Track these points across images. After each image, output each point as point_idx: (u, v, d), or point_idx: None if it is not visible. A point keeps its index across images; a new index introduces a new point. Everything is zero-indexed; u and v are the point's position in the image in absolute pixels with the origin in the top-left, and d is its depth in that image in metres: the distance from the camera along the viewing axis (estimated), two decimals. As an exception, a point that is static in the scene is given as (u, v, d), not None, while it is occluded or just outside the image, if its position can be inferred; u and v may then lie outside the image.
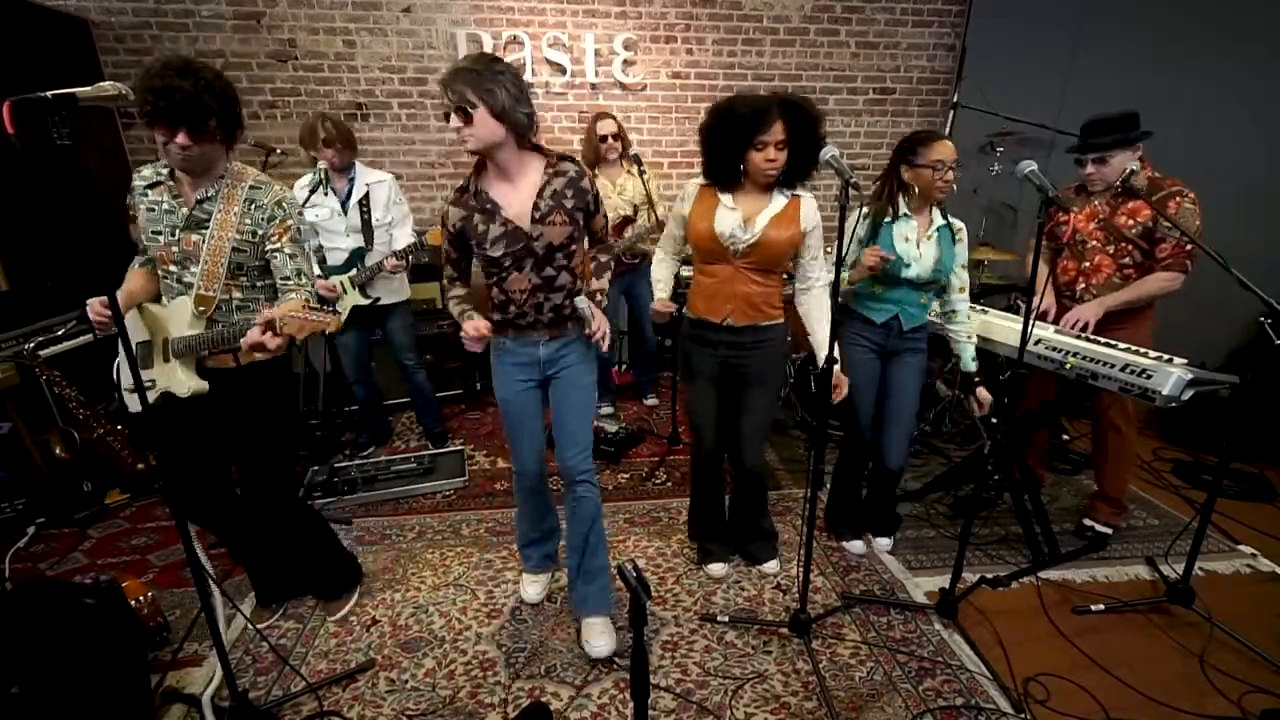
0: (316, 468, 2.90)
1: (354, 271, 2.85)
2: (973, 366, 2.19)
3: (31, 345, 2.56)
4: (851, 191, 1.55)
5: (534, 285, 1.73)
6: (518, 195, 1.69)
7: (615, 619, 1.97)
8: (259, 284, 1.73)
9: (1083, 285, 2.38)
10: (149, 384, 1.72)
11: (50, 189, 2.99)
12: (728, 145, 1.81)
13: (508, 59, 3.83)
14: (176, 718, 1.71)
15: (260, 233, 1.67)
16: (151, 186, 1.66)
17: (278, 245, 1.67)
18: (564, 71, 3.94)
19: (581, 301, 1.70)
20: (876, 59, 4.21)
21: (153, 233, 1.66)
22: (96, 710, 1.49)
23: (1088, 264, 2.36)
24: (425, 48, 3.86)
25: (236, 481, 1.91)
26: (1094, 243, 2.34)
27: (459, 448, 3.19)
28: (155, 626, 1.92)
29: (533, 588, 2.16)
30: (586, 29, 3.90)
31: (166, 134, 1.49)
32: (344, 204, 2.80)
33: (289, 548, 2.03)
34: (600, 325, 1.71)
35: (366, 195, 2.82)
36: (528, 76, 3.94)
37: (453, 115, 1.56)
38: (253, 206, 1.66)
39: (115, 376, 1.86)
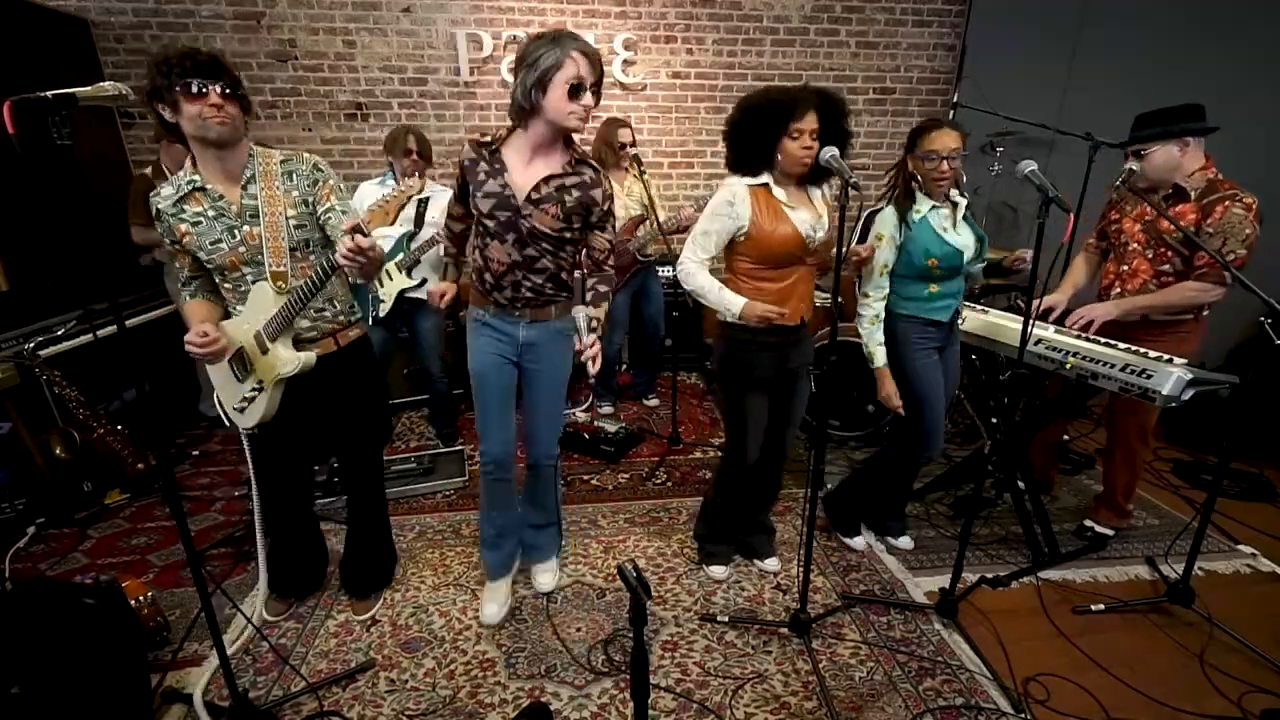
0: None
1: (400, 256, 2.92)
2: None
3: (31, 345, 2.57)
4: (851, 191, 1.54)
5: (513, 261, 1.73)
6: (529, 171, 1.69)
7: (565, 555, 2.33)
8: (323, 264, 1.63)
9: (1117, 290, 2.29)
10: (252, 395, 1.72)
11: (50, 189, 2.99)
12: (760, 132, 1.75)
13: (508, 59, 3.87)
14: (176, 718, 1.71)
15: (310, 200, 1.67)
16: (183, 200, 1.60)
17: (329, 206, 1.66)
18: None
19: (580, 314, 1.65)
20: (876, 59, 4.22)
21: (211, 244, 1.62)
22: (96, 710, 1.49)
23: (1125, 268, 2.27)
24: (425, 48, 3.86)
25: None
26: (1135, 245, 2.25)
27: (460, 448, 3.19)
28: (155, 626, 1.92)
29: (491, 605, 2.04)
30: (586, 29, 3.90)
31: (198, 101, 1.46)
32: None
33: (372, 534, 2.09)
34: (591, 344, 1.63)
35: (428, 199, 2.95)
36: (528, 76, 3.94)
37: (588, 92, 1.57)
38: (293, 177, 1.65)
39: (218, 406, 1.82)
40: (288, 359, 1.65)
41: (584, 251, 1.85)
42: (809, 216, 1.85)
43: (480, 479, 2.03)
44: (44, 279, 2.95)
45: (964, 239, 2.02)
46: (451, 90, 3.96)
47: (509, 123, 1.73)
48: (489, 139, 1.72)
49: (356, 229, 1.36)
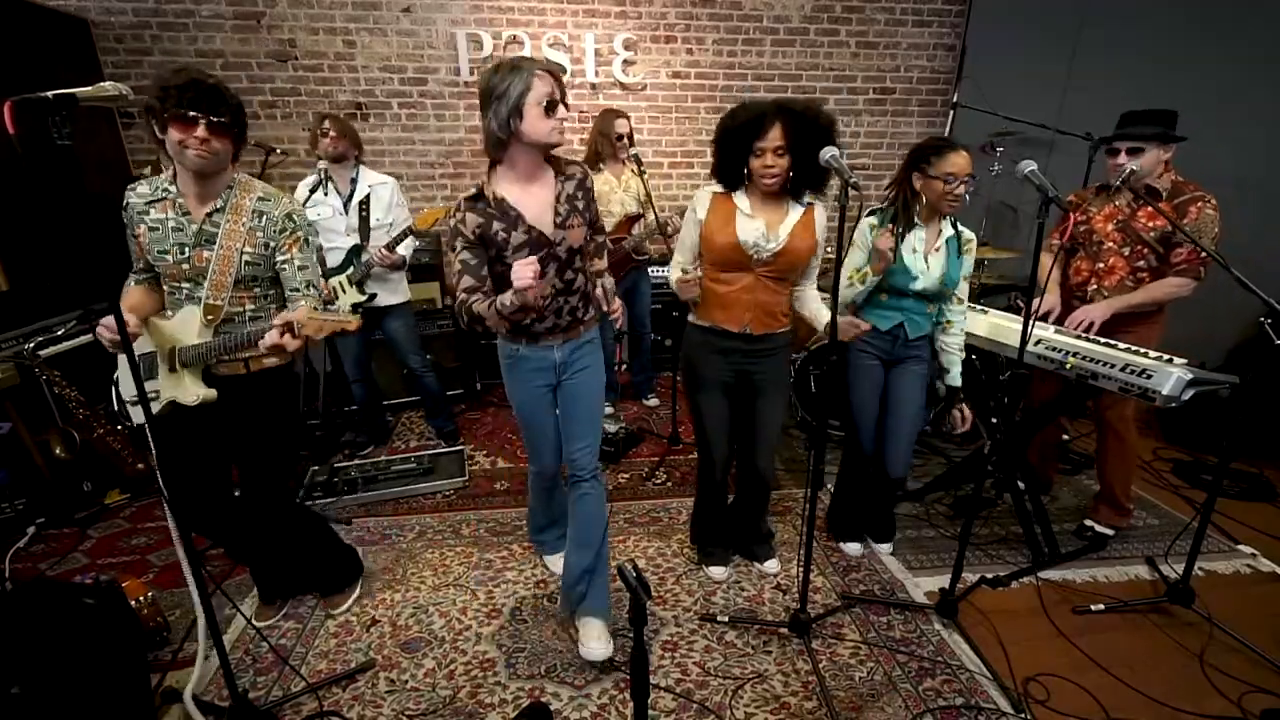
0: (316, 468, 2.90)
1: (350, 270, 2.87)
2: (958, 382, 2.16)
3: (31, 345, 2.56)
4: (851, 192, 1.54)
5: (556, 290, 1.75)
6: (534, 200, 1.69)
7: (615, 621, 1.94)
8: (269, 294, 1.75)
9: (1094, 286, 2.36)
10: (153, 395, 1.71)
11: (50, 189, 2.99)
12: (731, 151, 1.82)
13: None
14: (176, 718, 1.71)
15: (272, 245, 1.68)
16: (153, 203, 1.63)
17: (287, 257, 1.69)
18: (564, 71, 3.93)
19: (609, 280, 1.80)
20: (876, 59, 4.21)
21: (159, 252, 1.64)
22: (96, 710, 1.49)
23: (1101, 265, 2.34)
24: (425, 48, 3.86)
25: (235, 484, 1.91)
26: (1110, 244, 2.31)
27: (459, 447, 3.19)
28: (155, 626, 1.92)
29: (558, 560, 2.22)
30: (586, 29, 3.90)
31: (185, 129, 1.48)
32: (346, 204, 2.83)
33: (288, 546, 2.03)
34: (618, 305, 1.83)
35: (368, 197, 2.85)
36: (528, 76, 3.94)
37: (562, 105, 1.59)
38: (262, 219, 1.66)
39: (115, 390, 1.84)
40: (191, 391, 1.67)
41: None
42: (762, 227, 1.84)
43: (531, 487, 2.19)
44: (44, 279, 2.95)
45: (930, 268, 2.01)
46: (451, 90, 3.96)
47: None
48: (475, 192, 1.65)
49: (289, 327, 1.43)
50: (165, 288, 1.72)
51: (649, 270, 3.55)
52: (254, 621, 2.02)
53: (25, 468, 2.62)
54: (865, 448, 2.24)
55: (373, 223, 2.85)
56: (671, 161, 4.27)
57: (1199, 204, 2.14)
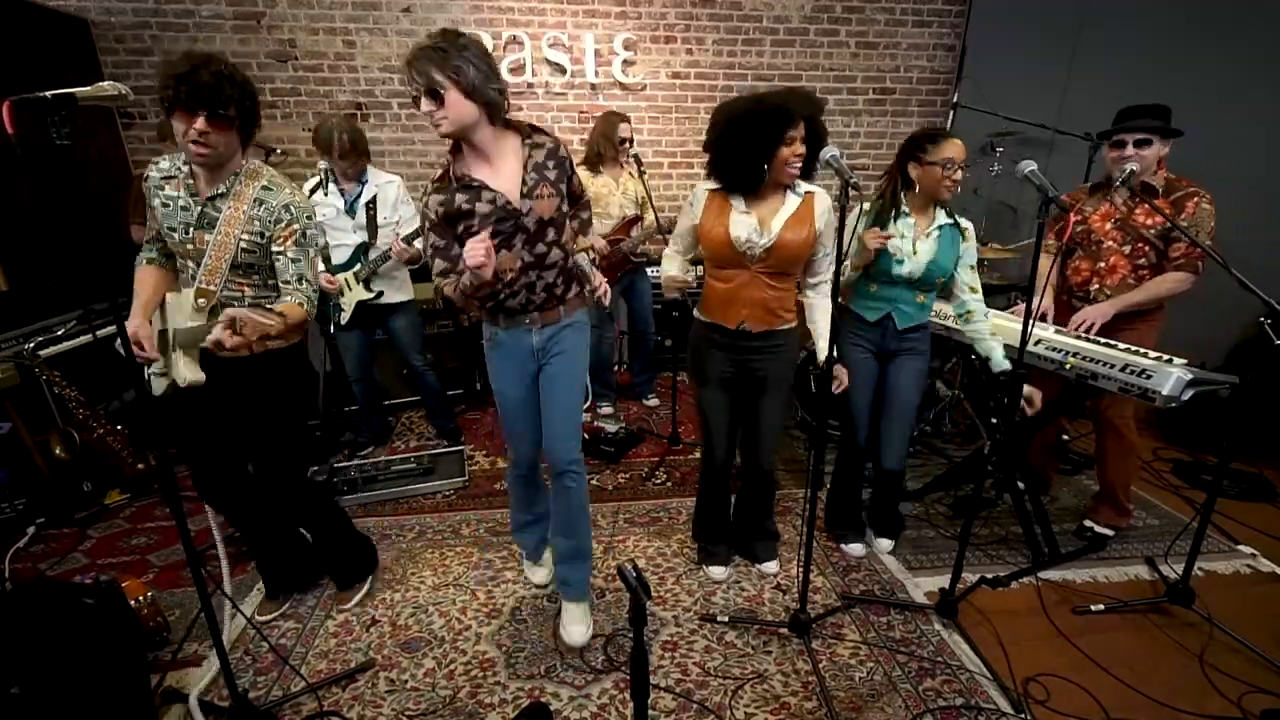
0: (316, 468, 2.90)
1: (358, 267, 2.87)
2: (1005, 365, 2.06)
3: (31, 345, 2.56)
4: (851, 192, 1.54)
5: (525, 263, 1.70)
6: (501, 173, 1.65)
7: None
8: (270, 282, 1.74)
9: (1096, 286, 2.35)
10: (162, 372, 1.72)
11: (50, 189, 3.00)
12: (758, 145, 1.73)
13: (508, 59, 3.87)
14: (176, 718, 1.71)
15: (267, 235, 1.67)
16: (167, 179, 1.66)
17: (281, 249, 1.68)
18: (564, 71, 3.94)
19: (582, 258, 1.74)
20: (876, 59, 4.22)
21: (168, 228, 1.67)
22: (96, 710, 1.49)
23: (1102, 264, 2.33)
24: (425, 48, 3.86)
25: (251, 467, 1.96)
26: (1110, 242, 2.31)
27: (460, 447, 3.19)
28: (155, 626, 1.92)
29: (538, 572, 2.22)
30: (586, 29, 3.90)
31: (185, 120, 1.49)
32: (352, 205, 2.83)
33: (302, 534, 2.06)
34: (600, 279, 1.78)
35: (375, 196, 2.85)
36: (527, 76, 3.95)
37: (423, 99, 1.51)
38: (261, 207, 1.65)
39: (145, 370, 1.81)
40: (182, 372, 1.63)
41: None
42: (754, 223, 1.82)
43: (510, 481, 2.11)
44: (44, 279, 2.95)
45: (917, 252, 2.01)
46: (451, 90, 3.95)
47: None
48: (440, 173, 1.66)
49: (232, 323, 1.38)
50: (179, 265, 1.74)
51: (647, 270, 3.55)
52: (256, 617, 2.03)
53: (25, 468, 2.62)
54: (858, 436, 2.25)
55: (380, 220, 2.85)
56: (671, 161, 4.27)
57: (1195, 199, 2.15)
